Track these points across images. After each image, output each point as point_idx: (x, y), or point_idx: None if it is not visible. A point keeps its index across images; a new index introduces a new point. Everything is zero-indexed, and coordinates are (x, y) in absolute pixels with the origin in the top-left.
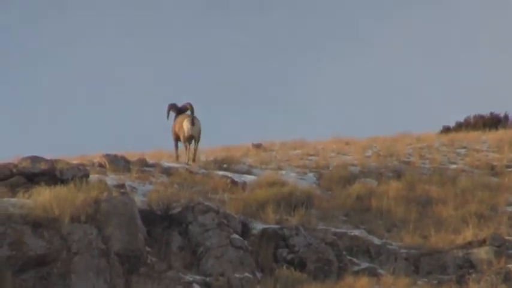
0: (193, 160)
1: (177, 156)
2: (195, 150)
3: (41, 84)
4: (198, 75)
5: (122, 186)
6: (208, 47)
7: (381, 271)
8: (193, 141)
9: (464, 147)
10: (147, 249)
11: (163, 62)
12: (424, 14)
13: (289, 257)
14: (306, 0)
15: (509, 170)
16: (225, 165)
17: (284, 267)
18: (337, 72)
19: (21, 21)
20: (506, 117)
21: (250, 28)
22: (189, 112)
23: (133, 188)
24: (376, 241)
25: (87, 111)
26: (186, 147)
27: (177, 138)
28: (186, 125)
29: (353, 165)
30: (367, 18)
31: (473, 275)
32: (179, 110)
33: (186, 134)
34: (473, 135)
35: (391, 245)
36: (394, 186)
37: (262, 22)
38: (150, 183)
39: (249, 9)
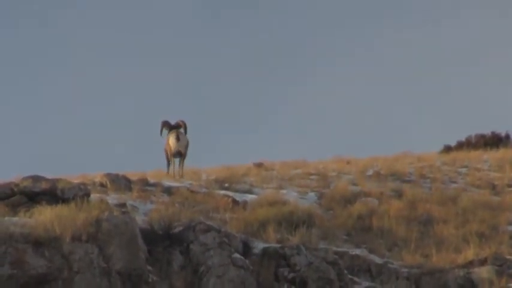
0: (181, 176)
1: (168, 173)
2: (182, 165)
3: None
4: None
5: (123, 205)
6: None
7: None
8: (180, 157)
9: (466, 167)
10: (148, 268)
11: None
12: (424, 31)
13: (291, 276)
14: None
15: (511, 189)
16: (226, 185)
17: (285, 286)
18: (336, 91)
19: None
20: (507, 136)
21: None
22: (181, 129)
23: (134, 207)
24: (377, 260)
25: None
26: (173, 162)
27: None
28: (172, 140)
29: (354, 184)
30: (364, 38)
31: None
32: (172, 127)
33: (172, 150)
34: (475, 154)
35: (392, 264)
36: (395, 206)
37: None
38: (151, 202)
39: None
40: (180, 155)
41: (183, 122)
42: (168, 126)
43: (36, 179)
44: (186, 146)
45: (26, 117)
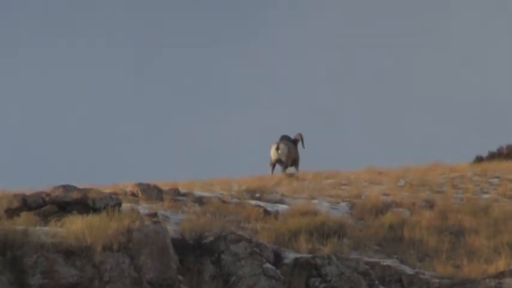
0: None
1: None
2: (285, 172)
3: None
4: None
5: (154, 215)
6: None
7: None
8: (282, 165)
9: (497, 177)
10: (180, 278)
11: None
12: (458, 40)
13: (322, 286)
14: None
15: None
16: (257, 195)
17: None
18: (368, 101)
19: None
20: None
21: None
22: (285, 141)
23: (165, 217)
24: (409, 270)
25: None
26: (273, 169)
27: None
28: (272, 150)
29: (385, 194)
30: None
31: None
32: (292, 141)
33: (272, 158)
34: (506, 165)
35: (424, 274)
36: (426, 216)
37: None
38: (183, 212)
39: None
40: (281, 163)
41: (299, 134)
42: (285, 139)
43: (67, 188)
44: (285, 156)
45: (56, 126)
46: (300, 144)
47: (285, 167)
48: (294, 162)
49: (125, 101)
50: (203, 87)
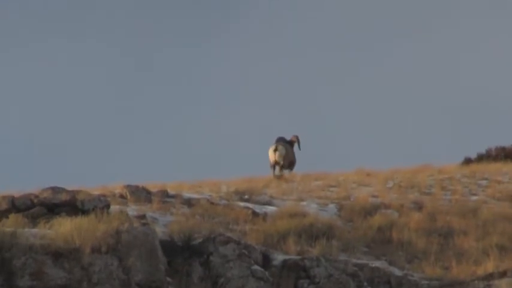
0: (285, 179)
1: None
2: (281, 173)
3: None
4: None
5: (143, 217)
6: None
7: None
8: (280, 166)
9: (486, 179)
10: (168, 279)
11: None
12: (447, 41)
13: None
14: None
15: None
16: (246, 196)
17: None
18: (355, 103)
19: None
20: None
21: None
22: (283, 143)
23: (154, 219)
24: (397, 272)
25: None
26: (273, 170)
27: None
28: (270, 152)
29: (374, 196)
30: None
31: None
32: (288, 143)
33: (270, 160)
34: (495, 166)
35: (412, 276)
36: (415, 218)
37: None
38: (171, 214)
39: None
40: (279, 164)
41: (296, 136)
42: (281, 141)
43: (56, 190)
44: (283, 157)
45: (45, 128)
46: (296, 146)
47: (283, 168)
48: (291, 164)
49: (113, 103)
50: (195, 88)
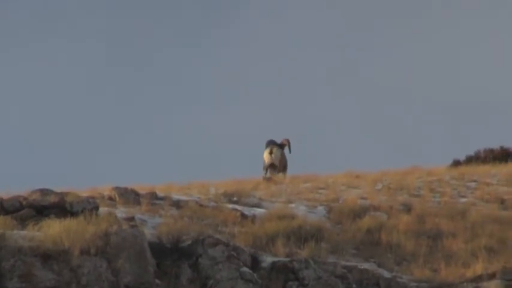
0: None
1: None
2: (277, 175)
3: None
4: None
5: (132, 219)
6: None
7: None
8: (275, 169)
9: (475, 181)
10: (157, 281)
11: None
12: (435, 39)
13: None
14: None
15: None
16: (235, 198)
17: None
18: (344, 104)
19: None
20: None
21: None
22: (277, 146)
23: (143, 221)
24: (386, 274)
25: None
26: (267, 173)
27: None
28: (265, 155)
29: (363, 198)
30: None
31: None
32: (277, 145)
33: (266, 163)
34: (483, 169)
35: (401, 278)
36: (404, 220)
37: None
38: (160, 216)
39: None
40: (274, 167)
41: (287, 140)
42: (273, 144)
43: (44, 192)
44: (278, 160)
45: (33, 129)
46: (286, 149)
47: (278, 171)
48: (285, 167)
49: (102, 106)
50: (186, 88)
